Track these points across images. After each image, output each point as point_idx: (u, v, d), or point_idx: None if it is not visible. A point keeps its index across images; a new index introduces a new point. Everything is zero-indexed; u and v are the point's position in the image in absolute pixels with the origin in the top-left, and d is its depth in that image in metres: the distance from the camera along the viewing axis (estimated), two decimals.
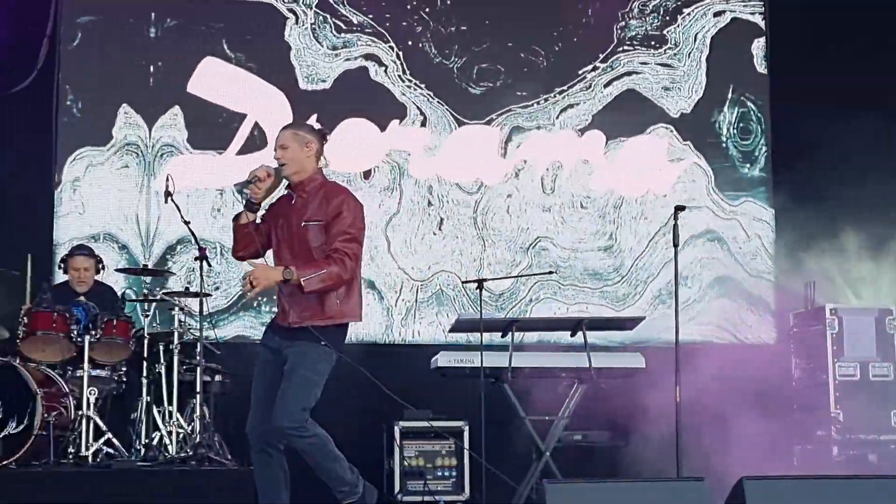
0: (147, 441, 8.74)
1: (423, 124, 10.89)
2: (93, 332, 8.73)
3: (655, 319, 10.38)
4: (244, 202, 6.80)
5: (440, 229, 10.86)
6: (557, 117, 11.08)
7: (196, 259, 8.70)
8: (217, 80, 10.65)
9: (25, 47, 10.21)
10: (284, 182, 6.82)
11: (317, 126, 7.10)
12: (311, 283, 6.48)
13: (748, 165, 11.29)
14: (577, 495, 6.85)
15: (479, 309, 8.99)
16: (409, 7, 11.01)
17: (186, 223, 8.39)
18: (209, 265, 8.93)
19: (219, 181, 10.50)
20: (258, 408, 6.71)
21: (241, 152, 10.54)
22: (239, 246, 6.85)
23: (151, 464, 8.47)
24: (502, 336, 8.96)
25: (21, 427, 8.24)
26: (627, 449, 9.31)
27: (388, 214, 10.80)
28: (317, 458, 6.61)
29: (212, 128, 10.59)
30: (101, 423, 8.57)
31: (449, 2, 11.08)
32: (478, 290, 8.94)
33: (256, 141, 10.55)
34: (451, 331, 9.44)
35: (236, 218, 6.82)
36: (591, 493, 6.91)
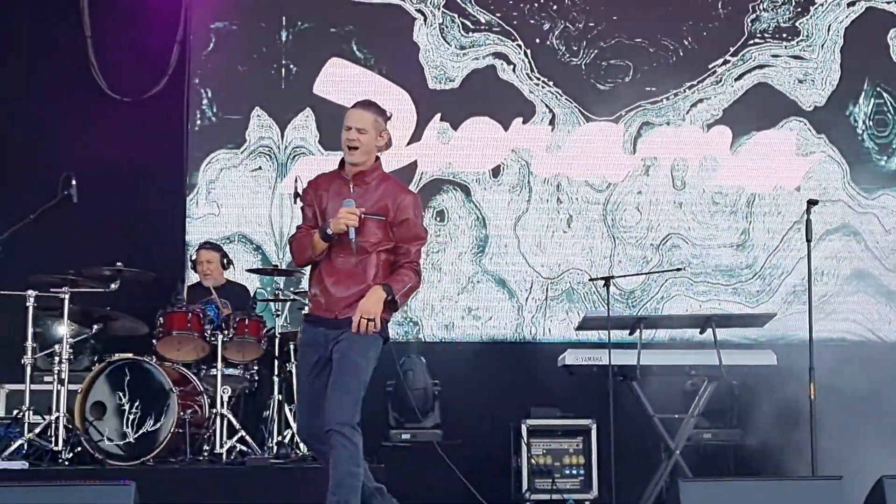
0: (279, 439, 8.88)
1: (552, 122, 10.89)
2: (225, 332, 8.91)
3: (790, 316, 10.29)
4: (324, 234, 6.24)
5: (569, 227, 10.85)
6: (687, 112, 10.97)
7: None
8: (342, 80, 10.75)
9: (156, 53, 10.48)
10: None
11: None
12: (402, 300, 6.29)
13: (885, 158, 11.07)
14: (712, 494, 6.80)
15: (603, 305, 8.96)
16: (536, 5, 11.00)
17: None
18: None
19: None
20: (305, 409, 6.41)
21: None
22: (307, 262, 6.47)
23: (284, 461, 8.61)
24: (629, 334, 8.92)
25: (158, 425, 8.43)
26: (759, 447, 9.21)
27: (517, 212, 10.82)
28: (339, 466, 6.14)
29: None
30: (234, 421, 8.74)
31: None
32: (605, 288, 8.93)
33: None
34: (578, 328, 9.45)
35: (313, 239, 6.34)
36: (726, 492, 6.86)
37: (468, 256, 10.78)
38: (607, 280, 8.94)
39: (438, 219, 10.77)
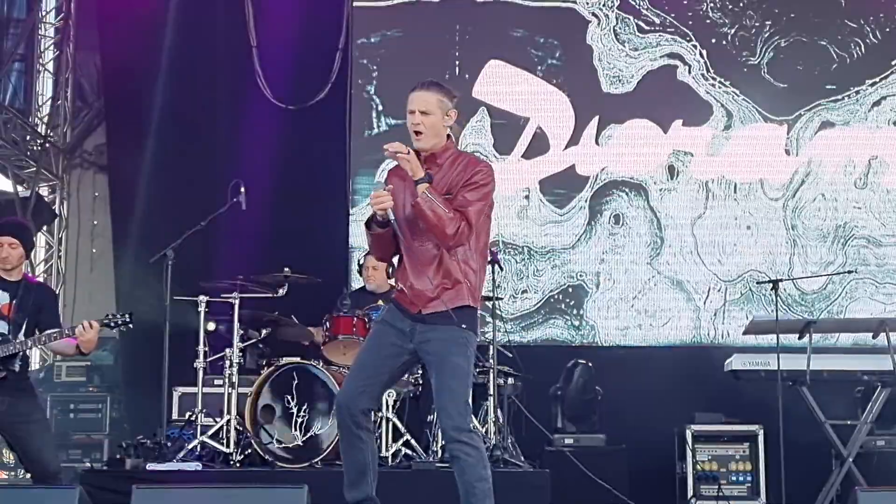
0: (443, 443, 8.97)
1: (728, 124, 10.84)
2: None
3: None
4: (368, 223, 6.01)
5: (748, 228, 10.76)
6: (870, 110, 10.82)
7: (488, 263, 8.93)
8: (501, 83, 10.92)
9: (320, 61, 10.80)
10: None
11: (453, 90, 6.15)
12: (426, 202, 5.74)
13: None
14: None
15: (784, 309, 8.88)
16: (711, 4, 10.98)
17: None
18: (500, 268, 9.18)
19: (517, 184, 10.84)
20: (359, 379, 6.02)
21: (525, 156, 10.87)
22: (380, 254, 6.23)
23: (448, 465, 8.71)
24: (799, 338, 8.82)
25: (325, 428, 8.60)
26: None
27: (694, 214, 10.81)
28: (467, 472, 6.03)
29: (515, 132, 10.87)
30: (399, 425, 8.86)
31: None
32: (773, 291, 8.84)
33: (539, 144, 10.86)
34: (745, 332, 9.35)
35: (368, 226, 6.07)
36: None
37: (644, 259, 10.80)
38: (775, 283, 8.86)
39: (614, 221, 10.79)
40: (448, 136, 6.03)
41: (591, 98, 10.86)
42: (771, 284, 8.95)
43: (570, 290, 10.83)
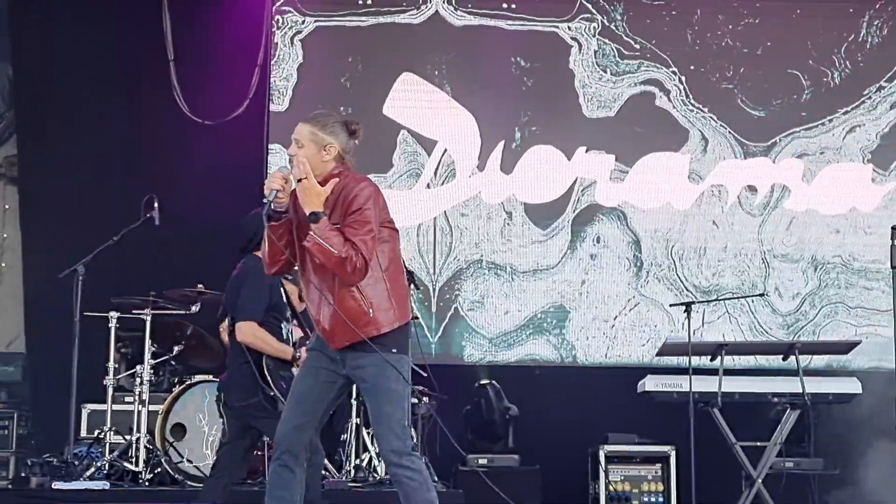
0: (357, 462, 9.10)
1: (705, 149, 11.09)
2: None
3: None
4: (265, 215, 5.80)
5: (724, 251, 10.99)
6: (843, 139, 11.13)
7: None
8: (411, 99, 11.01)
9: (238, 77, 10.87)
10: None
11: (346, 118, 6.01)
12: (315, 246, 5.68)
13: None
14: None
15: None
16: (691, 32, 11.23)
17: None
18: (417, 288, 9.28)
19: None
20: (298, 410, 5.98)
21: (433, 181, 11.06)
22: (271, 260, 5.96)
23: (362, 485, 8.84)
24: (710, 360, 9.03)
25: None
26: (842, 477, 9.25)
27: (670, 236, 11.03)
28: (412, 497, 5.85)
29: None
30: None
31: (731, 26, 11.25)
32: (687, 314, 9.03)
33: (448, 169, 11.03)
34: (658, 354, 9.57)
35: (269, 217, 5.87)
36: None
37: (624, 280, 10.97)
38: (688, 306, 9.06)
39: (595, 242, 10.99)
40: (341, 162, 5.92)
41: (579, 122, 11.06)
42: (684, 307, 9.13)
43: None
